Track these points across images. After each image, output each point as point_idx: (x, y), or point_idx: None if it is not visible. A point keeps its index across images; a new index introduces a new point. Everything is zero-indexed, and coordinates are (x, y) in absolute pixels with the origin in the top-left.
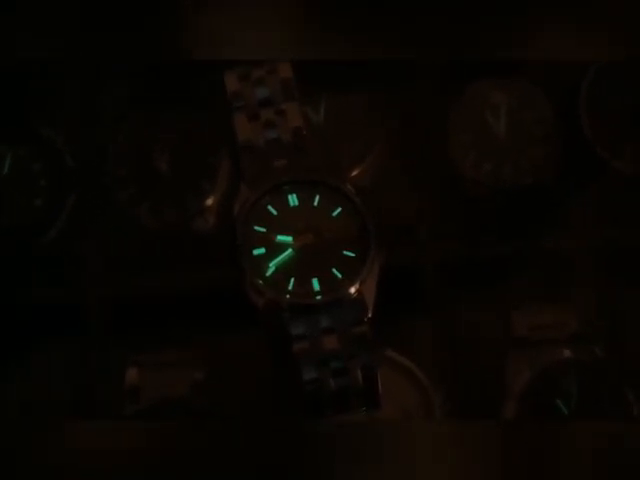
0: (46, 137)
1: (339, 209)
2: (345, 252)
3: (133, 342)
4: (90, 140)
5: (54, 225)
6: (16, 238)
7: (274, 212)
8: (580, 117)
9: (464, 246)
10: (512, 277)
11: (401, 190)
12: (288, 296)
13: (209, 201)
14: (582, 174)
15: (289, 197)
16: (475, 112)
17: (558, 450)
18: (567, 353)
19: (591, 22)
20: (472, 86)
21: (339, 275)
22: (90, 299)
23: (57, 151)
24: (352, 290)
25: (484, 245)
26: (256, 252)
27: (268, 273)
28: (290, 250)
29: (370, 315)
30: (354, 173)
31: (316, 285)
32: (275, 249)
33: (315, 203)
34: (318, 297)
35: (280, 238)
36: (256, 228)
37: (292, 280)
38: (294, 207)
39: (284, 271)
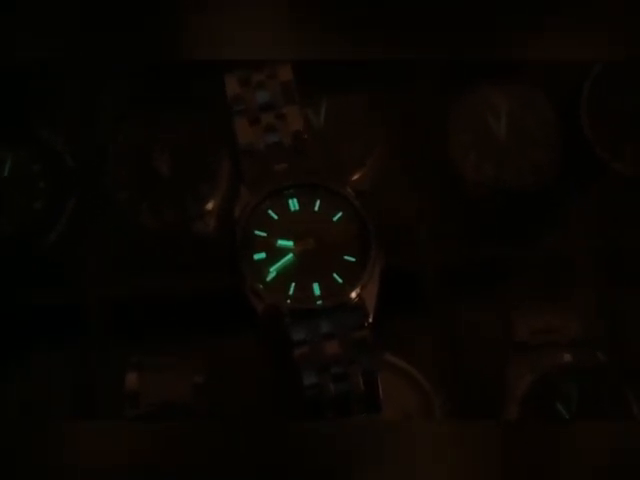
0: (46, 139)
1: (340, 214)
2: (346, 257)
3: (133, 344)
4: (90, 142)
5: (54, 227)
6: (16, 240)
7: (275, 217)
8: (581, 118)
9: (464, 248)
10: (513, 279)
11: (401, 192)
12: (289, 301)
13: (209, 205)
14: (583, 176)
15: (290, 202)
16: (476, 114)
17: (558, 450)
18: (568, 357)
19: (591, 22)
20: (473, 88)
21: (340, 280)
22: (90, 301)
23: (57, 153)
24: (353, 295)
25: (484, 247)
26: (257, 257)
27: (269, 278)
28: (291, 255)
29: (371, 320)
30: (355, 177)
31: (317, 290)
32: (276, 254)
33: (316, 208)
34: (319, 302)
35: (281, 243)
36: (257, 232)
37: (293, 285)
38: (295, 212)
39: (285, 276)
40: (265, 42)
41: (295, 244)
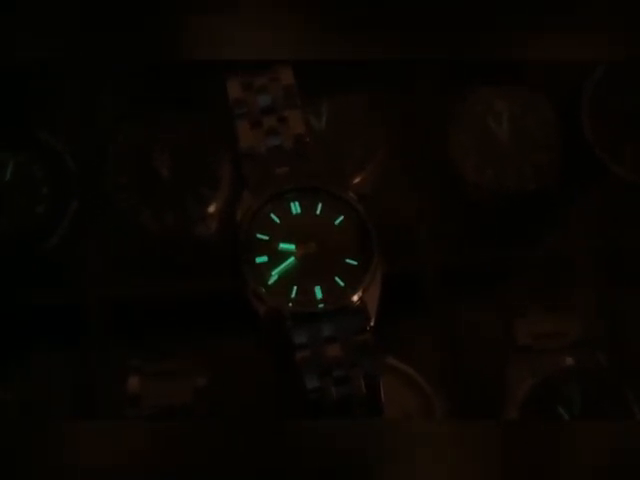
0: (47, 142)
1: (341, 217)
2: (347, 260)
3: (134, 346)
4: (91, 143)
5: (56, 230)
6: (19, 243)
7: (277, 220)
8: (581, 120)
9: (465, 249)
10: (513, 281)
11: (401, 193)
12: (290, 304)
13: (211, 208)
14: (583, 177)
15: (291, 205)
16: (477, 116)
17: (558, 450)
18: (569, 361)
19: (591, 22)
20: (474, 90)
21: (342, 283)
22: (91, 302)
23: (59, 156)
24: (355, 298)
25: (485, 248)
26: (259, 260)
27: (270, 281)
28: (293, 258)
29: (373, 323)
30: (356, 180)
31: (318, 293)
32: (278, 257)
33: (317, 211)
34: (320, 305)
35: (283, 246)
36: (259, 236)
37: (294, 288)
38: (297, 215)
39: (286, 279)
40: (265, 42)
41: (297, 247)
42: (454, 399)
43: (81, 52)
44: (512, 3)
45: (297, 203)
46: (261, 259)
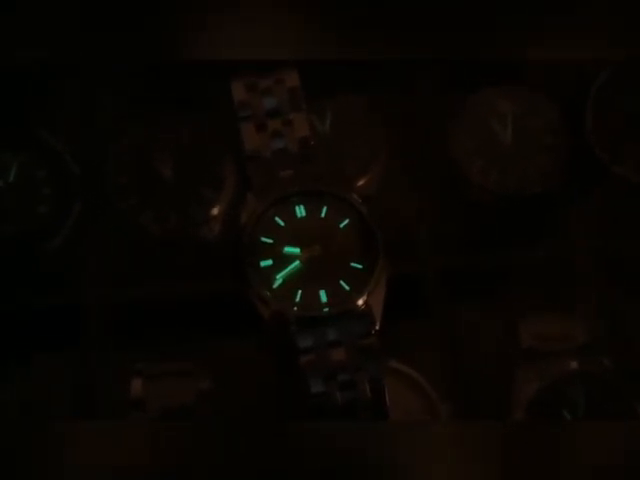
0: (50, 144)
1: (346, 220)
2: (353, 264)
3: (136, 348)
4: (92, 144)
5: (59, 232)
6: (21, 244)
7: (281, 223)
8: (585, 122)
9: (467, 252)
10: (515, 284)
11: (403, 195)
12: (295, 308)
13: (215, 210)
14: (588, 180)
15: (296, 208)
16: (481, 119)
17: (558, 450)
18: (575, 365)
19: (591, 22)
20: (477, 92)
21: (347, 287)
22: (92, 304)
23: (61, 158)
24: (360, 302)
25: (487, 251)
26: (263, 264)
27: (275, 285)
28: (297, 262)
29: (378, 327)
30: (361, 182)
31: (323, 297)
32: (282, 261)
33: (322, 214)
34: (325, 309)
35: (287, 250)
36: (263, 239)
37: (299, 292)
38: (301, 218)
39: (291, 283)
40: (265, 42)
41: (302, 251)
42: (457, 401)
43: (81, 52)
44: (512, 3)
45: (302, 206)
46: (266, 263)
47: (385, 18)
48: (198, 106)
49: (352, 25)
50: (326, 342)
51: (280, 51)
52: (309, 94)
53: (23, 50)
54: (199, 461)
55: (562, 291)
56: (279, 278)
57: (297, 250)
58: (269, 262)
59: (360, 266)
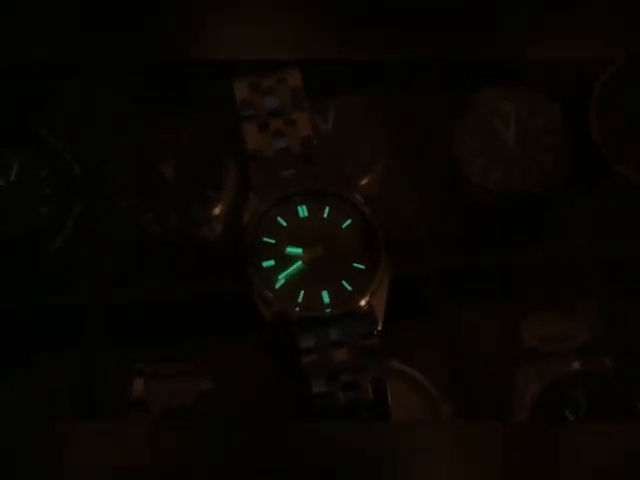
0: (51, 144)
1: (349, 221)
2: (355, 264)
3: (135, 348)
4: (93, 144)
5: (60, 232)
6: (22, 245)
7: (284, 223)
8: (589, 122)
9: (468, 254)
10: (516, 284)
11: (403, 195)
12: (297, 309)
13: (216, 210)
14: (591, 180)
15: (299, 208)
16: (484, 119)
17: (558, 451)
18: (576, 365)
19: (591, 22)
20: (480, 93)
21: (349, 288)
22: (93, 304)
23: (63, 158)
24: (362, 303)
25: (489, 253)
26: (265, 264)
27: (277, 285)
28: (300, 262)
29: (380, 328)
30: (363, 182)
31: (326, 298)
32: (285, 261)
33: (325, 214)
34: (328, 310)
35: (290, 250)
36: (265, 240)
37: (301, 292)
38: (304, 218)
39: (293, 283)
40: (265, 42)
41: (304, 251)
42: (457, 401)
43: (81, 52)
44: (512, 3)
45: (304, 206)
46: (268, 263)
47: (385, 18)
48: (198, 106)
49: (352, 25)
50: (328, 342)
51: (280, 51)
52: (309, 94)
53: (23, 50)
54: (199, 461)
55: (563, 291)
56: (281, 278)
57: (299, 250)
58: (271, 262)
59: (362, 266)
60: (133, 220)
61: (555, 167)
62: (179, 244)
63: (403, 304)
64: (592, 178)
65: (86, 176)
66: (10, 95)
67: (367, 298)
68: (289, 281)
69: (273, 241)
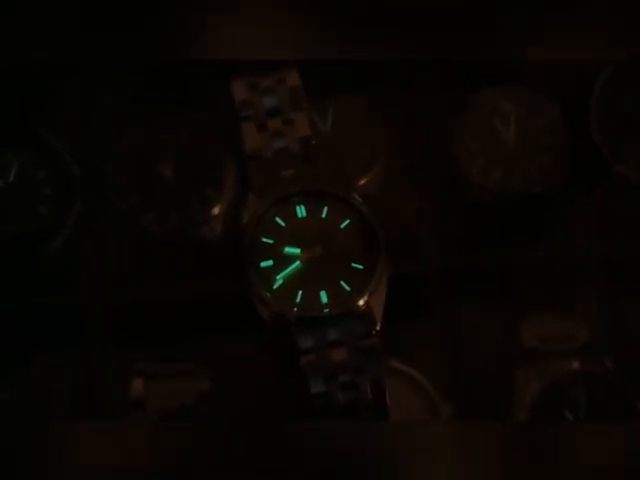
0: (51, 144)
1: (347, 221)
2: (353, 264)
3: (135, 349)
4: (93, 145)
5: (60, 232)
6: (22, 245)
7: (282, 224)
8: (589, 122)
9: (468, 254)
10: (516, 284)
11: (403, 195)
12: (295, 309)
13: (215, 210)
14: (591, 180)
15: (297, 208)
16: (484, 119)
17: (558, 451)
18: (576, 364)
19: (591, 22)
20: (480, 93)
21: (347, 288)
22: (93, 304)
23: (62, 158)
24: (360, 303)
25: (489, 253)
26: (264, 264)
27: (275, 286)
28: (298, 262)
29: (379, 328)
30: (362, 182)
31: (324, 298)
32: (283, 261)
33: (323, 215)
34: (326, 310)
35: (288, 250)
36: (264, 240)
37: (300, 293)
38: (302, 218)
39: (292, 283)
40: (265, 42)
41: (302, 251)
42: (457, 401)
43: (81, 52)
44: (512, 3)
45: (303, 206)
46: (266, 263)
47: (385, 18)
48: (198, 106)
49: (352, 25)
50: (327, 342)
51: (280, 51)
52: (309, 94)
53: (23, 50)
54: (199, 461)
55: (563, 291)
56: (279, 279)
57: (298, 250)
58: (269, 262)
59: (361, 266)
60: (133, 220)
61: (555, 167)
62: (179, 244)
63: (403, 304)
64: (592, 178)
65: (85, 176)
66: (10, 95)
67: (365, 298)
68: (287, 281)
69: (271, 241)
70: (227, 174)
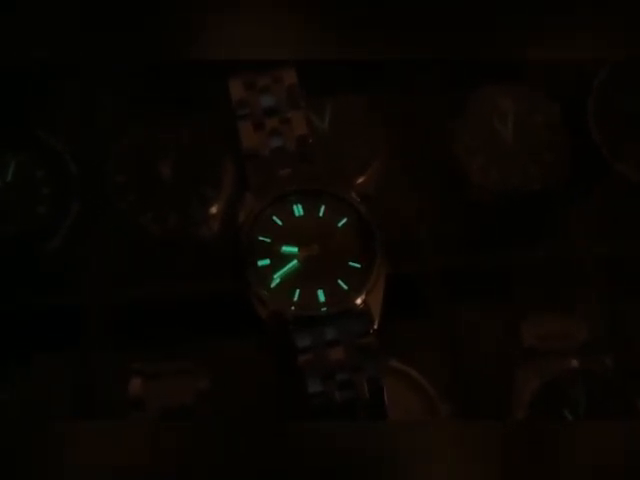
0: (49, 143)
1: (344, 219)
2: (351, 263)
3: (134, 348)
4: (92, 144)
5: (58, 231)
6: (20, 245)
7: (279, 222)
8: (588, 120)
9: (468, 254)
10: (516, 283)
11: (403, 195)
12: (293, 308)
13: (213, 209)
14: (590, 179)
15: (294, 207)
16: (482, 118)
17: (558, 450)
18: (575, 363)
19: (591, 22)
20: (479, 91)
21: (345, 286)
22: (92, 304)
23: (60, 157)
24: (358, 301)
25: (489, 253)
26: (261, 263)
27: (273, 284)
28: (295, 261)
29: (376, 326)
30: (360, 180)
31: (321, 296)
32: (280, 260)
33: (320, 213)
34: (323, 309)
35: (285, 249)
36: (261, 238)
37: (297, 291)
38: (299, 217)
39: (289, 282)
40: (265, 42)
41: (299, 250)
42: (457, 401)
43: (81, 52)
44: (512, 3)
45: (300, 205)
46: (263, 262)
47: (385, 18)
48: (198, 106)
49: (352, 25)
50: (324, 341)
51: (280, 51)
52: (309, 94)
53: (23, 50)
54: (199, 461)
55: (562, 290)
56: (277, 277)
57: (295, 249)
58: (267, 261)
59: (358, 265)
60: (132, 220)
61: (555, 165)
62: (178, 244)
63: (403, 304)
64: (592, 177)
65: (84, 176)
66: (10, 95)
67: (363, 297)
68: (284, 280)
69: (269, 240)
70: (225, 173)
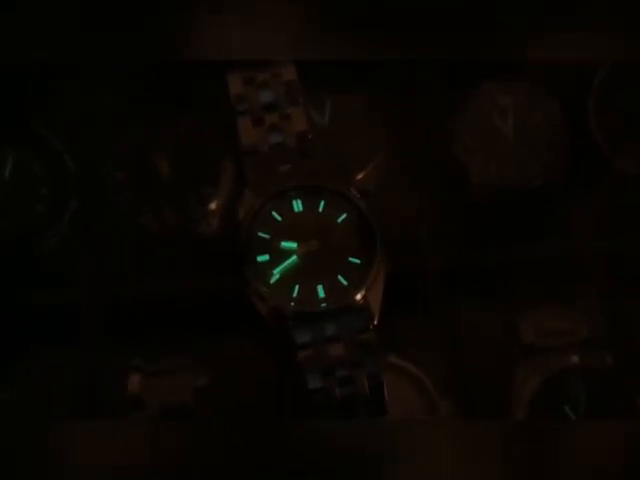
0: (47, 140)
1: (344, 215)
2: (350, 259)
3: (134, 346)
4: (91, 143)
5: (56, 229)
6: (18, 243)
7: (279, 218)
8: (588, 118)
9: (468, 253)
10: (516, 281)
11: (403, 194)
12: (292, 303)
13: (212, 205)
14: (590, 176)
15: (294, 203)
16: (482, 114)
17: (558, 450)
18: (576, 359)
19: (591, 22)
20: (478, 88)
21: (344, 282)
22: (91, 303)
23: (58, 155)
24: (358, 297)
25: (489, 251)
26: (260, 259)
27: (272, 280)
28: (295, 257)
29: (376, 322)
30: (359, 176)
31: (321, 292)
32: (280, 256)
33: (320, 209)
34: (323, 305)
35: (285, 244)
36: (260, 234)
37: (296, 287)
38: (299, 213)
39: (288, 278)
40: (265, 42)
41: (299, 246)
42: (457, 399)
43: (81, 52)
44: (512, 3)
45: (299, 201)
46: (262, 258)
47: (385, 18)
48: (198, 106)
49: (352, 25)
50: (324, 337)
51: (280, 51)
52: (309, 94)
53: (23, 50)
54: (199, 461)
55: (562, 287)
56: (276, 273)
57: (294, 245)
58: (266, 257)
59: (358, 261)
60: (131, 218)
61: (554, 161)
62: (177, 241)
63: (403, 303)
64: (592, 174)
65: (82, 174)
66: (9, 95)
67: (363, 292)
68: (284, 276)
69: (268, 236)
70: (224, 172)
